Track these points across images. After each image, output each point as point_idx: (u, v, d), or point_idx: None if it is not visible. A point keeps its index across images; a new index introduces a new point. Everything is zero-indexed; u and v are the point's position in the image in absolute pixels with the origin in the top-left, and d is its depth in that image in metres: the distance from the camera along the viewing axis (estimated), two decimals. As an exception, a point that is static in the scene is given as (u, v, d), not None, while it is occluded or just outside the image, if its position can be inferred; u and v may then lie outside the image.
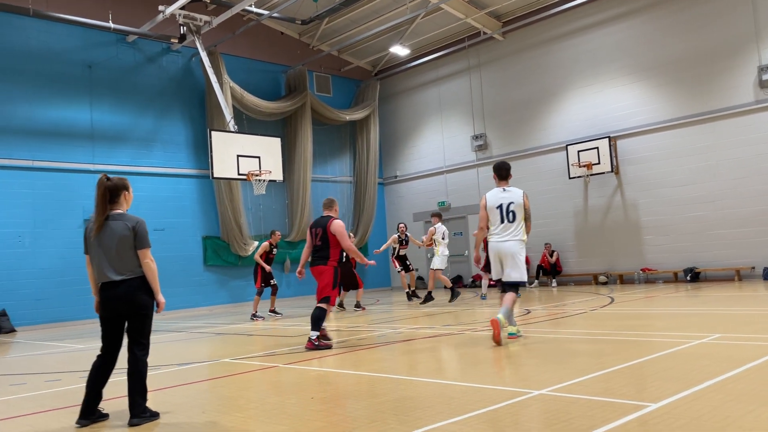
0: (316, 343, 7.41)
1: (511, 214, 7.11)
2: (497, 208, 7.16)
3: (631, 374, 4.93)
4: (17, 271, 14.71)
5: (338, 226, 7.69)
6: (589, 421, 3.58)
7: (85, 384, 4.46)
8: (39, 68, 15.57)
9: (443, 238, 13.26)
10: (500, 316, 6.85)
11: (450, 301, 13.19)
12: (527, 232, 7.21)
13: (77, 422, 4.36)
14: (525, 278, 7.20)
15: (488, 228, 7.28)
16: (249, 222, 18.72)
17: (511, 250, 7.07)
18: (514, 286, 7.16)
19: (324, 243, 7.71)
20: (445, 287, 13.60)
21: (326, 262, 7.67)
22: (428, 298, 13.21)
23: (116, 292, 4.40)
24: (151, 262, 4.47)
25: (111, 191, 4.49)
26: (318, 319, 7.50)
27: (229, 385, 5.79)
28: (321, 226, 7.77)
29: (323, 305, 7.60)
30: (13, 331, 14.23)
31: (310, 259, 7.94)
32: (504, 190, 7.25)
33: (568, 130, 17.77)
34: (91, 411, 4.40)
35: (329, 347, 7.46)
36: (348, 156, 22.33)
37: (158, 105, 17.65)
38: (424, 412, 4.10)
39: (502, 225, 7.14)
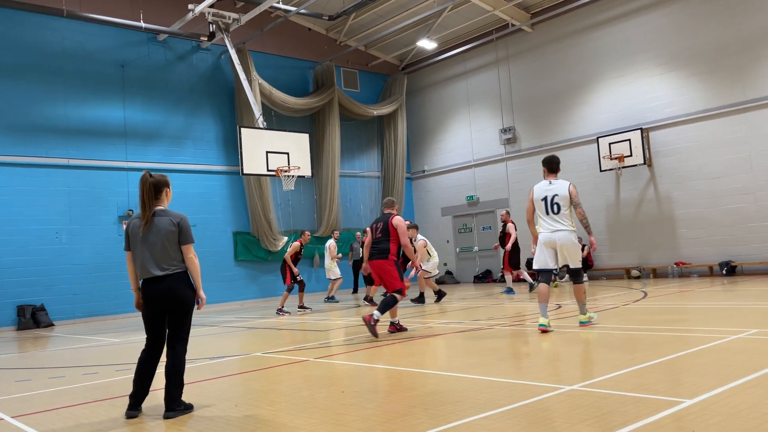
0: (372, 323, 7.73)
1: (555, 206, 7.37)
2: (542, 200, 7.46)
3: (665, 370, 4.85)
4: (54, 266, 15.10)
5: (400, 221, 8.37)
6: (622, 417, 3.54)
7: (132, 378, 4.56)
8: (73, 68, 15.92)
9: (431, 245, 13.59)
10: (582, 317, 7.45)
11: (414, 301, 13.00)
12: (583, 217, 7.50)
13: (126, 414, 4.47)
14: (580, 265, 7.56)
15: (535, 219, 7.61)
16: (278, 217, 18.90)
17: (564, 240, 7.34)
18: (577, 274, 7.48)
19: (384, 235, 8.29)
20: (421, 292, 13.54)
21: (387, 256, 8.22)
22: (440, 294, 13.18)
23: (159, 287, 4.47)
24: (194, 258, 4.57)
25: (155, 188, 4.59)
26: (387, 304, 7.98)
27: (261, 378, 5.87)
28: (383, 221, 8.42)
29: (396, 295, 8.06)
30: (51, 325, 14.63)
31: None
32: (550, 183, 7.51)
33: (599, 123, 17.49)
34: (139, 403, 4.51)
35: (376, 335, 7.72)
36: (376, 151, 22.34)
37: (189, 103, 17.90)
38: (454, 406, 4.10)
39: (548, 216, 7.42)
